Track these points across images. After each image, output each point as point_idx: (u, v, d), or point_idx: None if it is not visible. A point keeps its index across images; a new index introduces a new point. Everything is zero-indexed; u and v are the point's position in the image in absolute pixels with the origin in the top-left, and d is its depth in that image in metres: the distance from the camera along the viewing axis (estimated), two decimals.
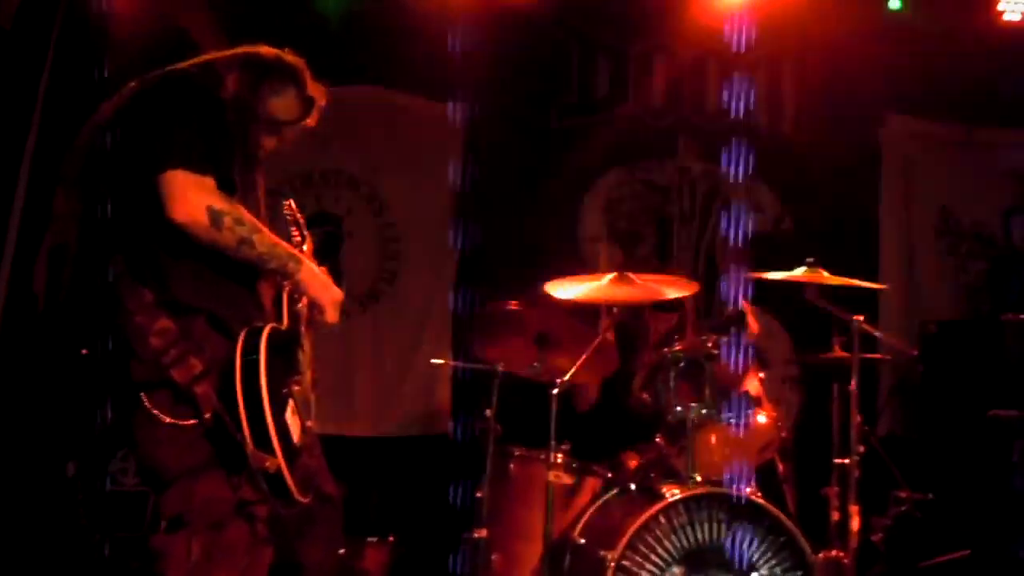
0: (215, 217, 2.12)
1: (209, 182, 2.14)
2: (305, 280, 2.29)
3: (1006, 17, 4.83)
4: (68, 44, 4.07)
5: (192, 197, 2.11)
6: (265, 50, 2.42)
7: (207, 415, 2.08)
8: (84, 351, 2.21)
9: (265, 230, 2.24)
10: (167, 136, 2.15)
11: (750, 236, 4.96)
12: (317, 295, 2.33)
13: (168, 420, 2.08)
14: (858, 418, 3.49)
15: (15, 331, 3.77)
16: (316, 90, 2.45)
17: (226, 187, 2.19)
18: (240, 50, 2.41)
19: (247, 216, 2.19)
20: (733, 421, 3.38)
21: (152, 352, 2.09)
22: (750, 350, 3.60)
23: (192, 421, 2.09)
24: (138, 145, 2.18)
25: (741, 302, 3.66)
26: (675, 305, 3.84)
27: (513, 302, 3.68)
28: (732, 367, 3.45)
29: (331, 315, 2.37)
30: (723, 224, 4.87)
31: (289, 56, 2.44)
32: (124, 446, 2.23)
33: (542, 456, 3.48)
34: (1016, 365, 4.30)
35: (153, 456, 2.12)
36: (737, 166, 4.91)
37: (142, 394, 2.10)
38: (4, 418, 3.76)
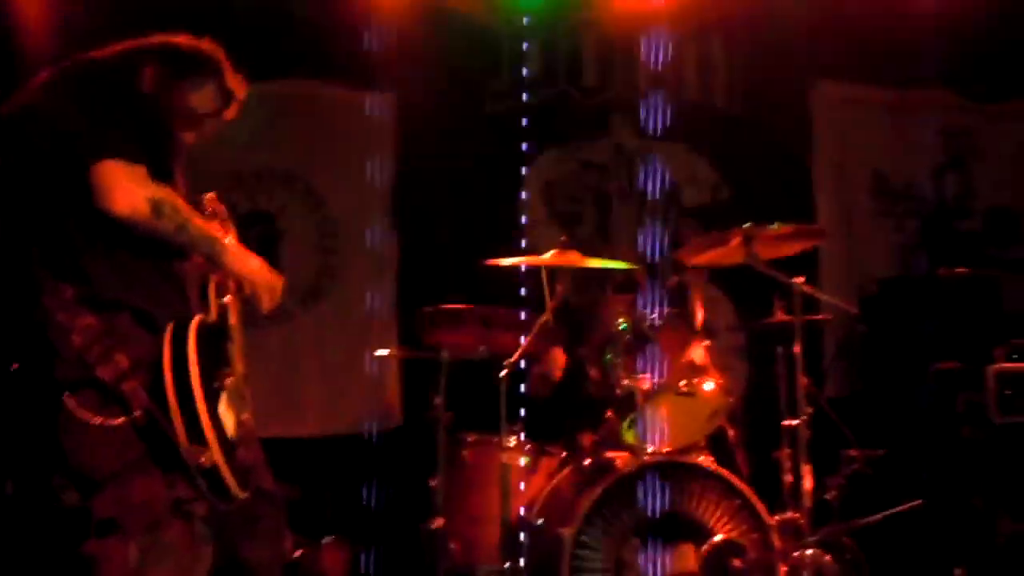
0: (156, 206, 2.09)
1: (143, 171, 2.10)
2: (233, 261, 2.24)
3: None
4: None
5: (132, 187, 2.07)
6: (183, 40, 2.36)
7: (137, 413, 2.02)
8: (15, 365, 2.14)
9: (196, 215, 2.22)
10: (96, 126, 2.09)
11: (687, 208, 5.00)
12: (247, 273, 2.27)
13: (95, 420, 2.02)
14: (804, 380, 3.51)
15: None
16: (235, 82, 2.40)
17: (159, 175, 2.15)
18: (156, 39, 2.35)
19: (181, 202, 2.17)
20: (680, 391, 3.38)
21: (75, 350, 2.02)
22: (693, 319, 3.62)
23: (121, 420, 2.02)
24: (61, 136, 2.11)
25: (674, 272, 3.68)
26: (631, 286, 3.83)
27: (455, 303, 3.66)
28: (677, 337, 3.45)
29: (266, 302, 2.30)
30: (659, 198, 4.88)
31: (207, 46, 2.38)
32: (54, 453, 2.15)
33: (495, 440, 3.46)
34: (954, 318, 4.38)
35: (81, 459, 2.06)
36: (671, 140, 4.94)
37: (66, 394, 2.03)
38: None
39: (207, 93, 2.34)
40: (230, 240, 2.32)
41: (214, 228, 2.29)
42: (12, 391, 2.16)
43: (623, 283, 3.82)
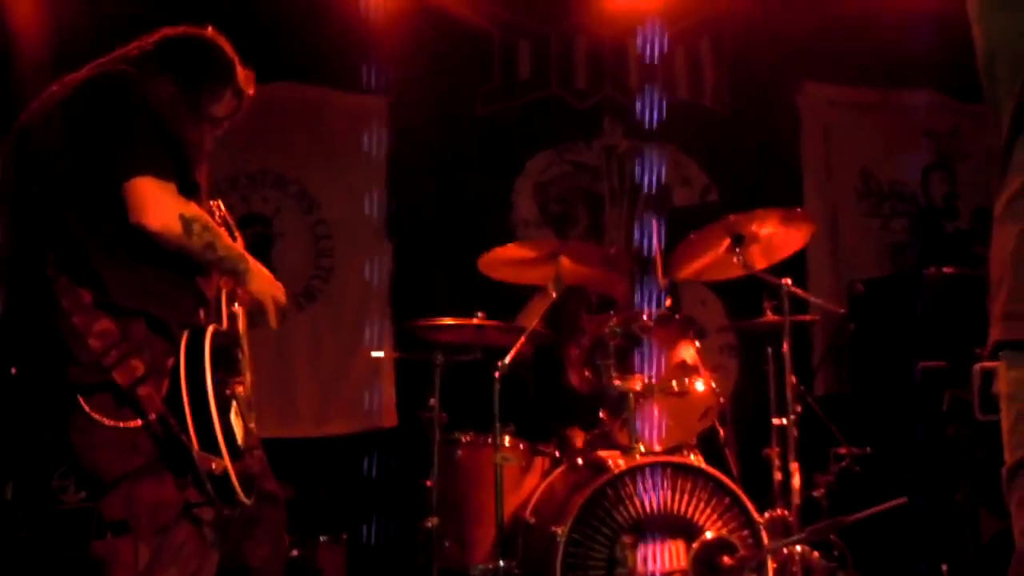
0: (187, 224, 2.11)
1: (174, 187, 2.12)
2: (255, 281, 2.29)
3: None
4: None
5: (164, 204, 2.08)
6: (196, 37, 2.34)
7: (152, 416, 2.04)
8: (13, 370, 2.17)
9: (222, 232, 2.24)
10: (127, 142, 2.10)
11: (678, 208, 5.06)
12: (267, 294, 2.32)
13: (108, 423, 2.04)
14: (793, 379, 3.57)
15: None
16: (246, 80, 2.40)
17: (186, 190, 2.17)
18: (170, 36, 2.32)
19: (209, 220, 2.19)
20: (672, 391, 3.43)
21: (92, 354, 2.04)
22: (685, 320, 3.68)
23: (135, 423, 2.05)
24: (86, 151, 2.12)
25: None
26: (609, 306, 3.86)
27: (444, 318, 3.70)
28: (668, 337, 3.50)
29: (272, 319, 2.35)
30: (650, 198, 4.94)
31: (219, 42, 2.36)
32: (64, 460, 2.18)
33: (489, 440, 3.51)
34: (939, 317, 4.44)
35: (92, 460, 2.08)
36: (661, 141, 4.99)
37: (79, 397, 2.05)
38: None
39: (225, 98, 2.36)
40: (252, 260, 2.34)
41: (235, 244, 2.30)
42: (18, 393, 2.19)
43: (598, 305, 3.87)
